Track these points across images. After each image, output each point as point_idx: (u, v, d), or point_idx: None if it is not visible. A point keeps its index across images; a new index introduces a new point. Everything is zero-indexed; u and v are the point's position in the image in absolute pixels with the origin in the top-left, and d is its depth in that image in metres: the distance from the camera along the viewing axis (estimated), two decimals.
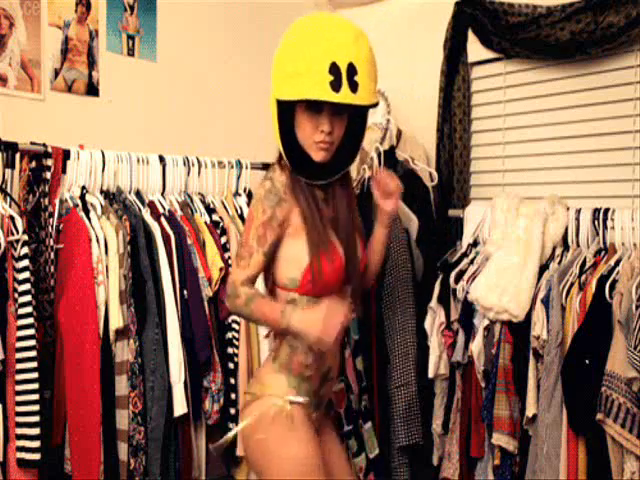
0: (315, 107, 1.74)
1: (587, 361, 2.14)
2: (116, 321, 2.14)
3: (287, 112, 1.78)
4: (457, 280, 2.55)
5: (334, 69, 1.68)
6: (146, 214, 2.34)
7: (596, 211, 2.40)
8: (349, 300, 1.87)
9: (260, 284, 1.90)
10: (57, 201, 2.22)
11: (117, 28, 2.74)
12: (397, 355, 2.55)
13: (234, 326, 2.42)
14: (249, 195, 2.70)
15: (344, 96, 1.69)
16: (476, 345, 2.43)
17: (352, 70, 1.69)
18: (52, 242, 2.17)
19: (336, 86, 1.68)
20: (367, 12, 3.25)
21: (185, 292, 2.32)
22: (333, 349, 1.86)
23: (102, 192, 2.33)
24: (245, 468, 2.49)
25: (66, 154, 2.25)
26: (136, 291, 2.20)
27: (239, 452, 2.41)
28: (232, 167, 2.67)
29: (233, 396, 2.41)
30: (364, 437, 2.53)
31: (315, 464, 1.79)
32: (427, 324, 2.59)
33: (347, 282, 1.88)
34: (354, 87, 1.70)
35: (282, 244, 1.81)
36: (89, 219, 2.21)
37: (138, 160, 2.42)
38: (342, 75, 1.68)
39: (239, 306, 1.79)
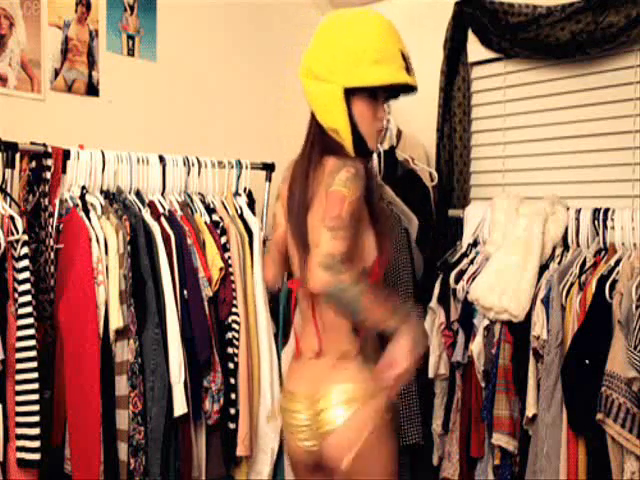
0: (375, 95, 1.81)
1: (587, 361, 2.14)
2: (116, 321, 2.14)
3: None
4: (457, 280, 2.55)
5: (403, 56, 1.81)
6: (146, 214, 2.34)
7: (596, 211, 2.40)
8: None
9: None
10: (57, 201, 2.22)
11: (117, 28, 2.74)
12: None
13: (234, 326, 2.42)
14: (249, 195, 2.70)
15: (414, 79, 1.82)
16: (476, 345, 2.43)
17: (408, 57, 1.83)
18: (52, 242, 2.17)
19: (408, 70, 1.81)
20: None
21: (185, 292, 2.32)
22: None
23: (102, 192, 2.33)
24: (245, 468, 2.49)
25: (66, 154, 2.25)
26: (136, 291, 2.20)
27: (239, 452, 2.41)
28: (232, 167, 2.67)
29: (233, 396, 2.41)
30: None
31: None
32: (427, 324, 2.59)
33: None
34: (413, 72, 1.83)
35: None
36: (89, 219, 2.21)
37: (138, 160, 2.42)
38: (408, 61, 1.82)
39: (343, 282, 1.56)
